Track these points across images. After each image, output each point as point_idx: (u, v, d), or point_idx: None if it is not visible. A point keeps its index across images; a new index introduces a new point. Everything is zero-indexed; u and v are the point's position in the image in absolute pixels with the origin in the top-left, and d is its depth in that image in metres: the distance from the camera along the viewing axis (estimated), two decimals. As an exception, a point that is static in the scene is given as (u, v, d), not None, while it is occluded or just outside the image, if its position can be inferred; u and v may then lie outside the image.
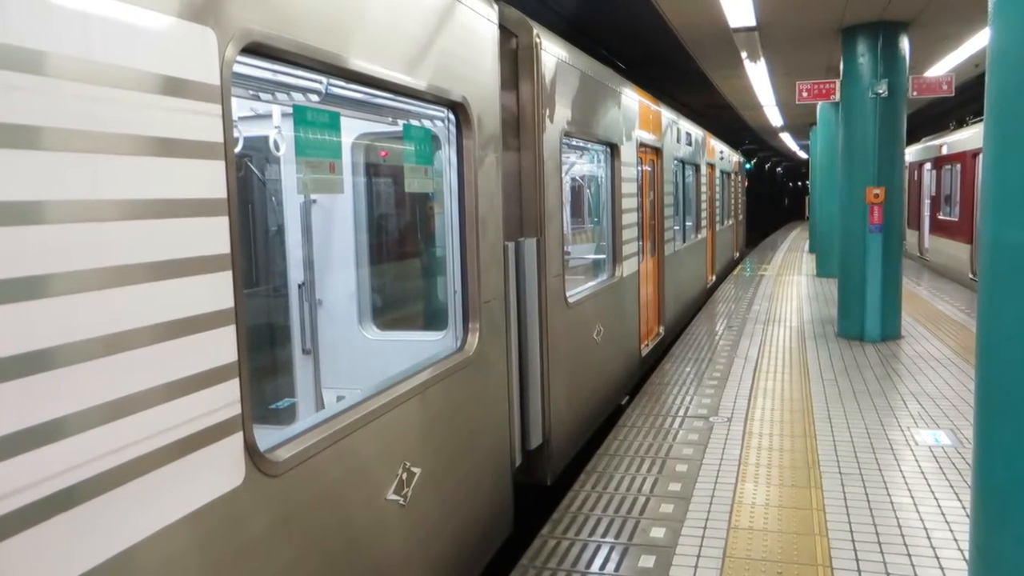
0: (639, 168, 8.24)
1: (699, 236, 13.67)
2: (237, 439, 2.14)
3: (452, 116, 3.82)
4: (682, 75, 15.46)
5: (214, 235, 2.06)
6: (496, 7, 4.33)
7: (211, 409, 2.04)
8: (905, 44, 9.64)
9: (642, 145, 8.38)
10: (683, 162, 11.79)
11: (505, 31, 4.77)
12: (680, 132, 11.22)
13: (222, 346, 2.09)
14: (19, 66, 1.55)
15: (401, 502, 3.14)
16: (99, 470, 1.72)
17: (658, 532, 4.36)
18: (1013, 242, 2.31)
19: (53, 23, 1.62)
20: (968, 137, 14.74)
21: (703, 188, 14.19)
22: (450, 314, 4.01)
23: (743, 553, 4.10)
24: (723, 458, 5.51)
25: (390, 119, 4.10)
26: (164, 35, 1.89)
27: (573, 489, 5.04)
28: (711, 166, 15.42)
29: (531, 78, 4.99)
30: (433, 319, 5.00)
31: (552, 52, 5.33)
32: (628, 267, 7.54)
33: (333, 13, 2.64)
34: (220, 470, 2.09)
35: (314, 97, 3.08)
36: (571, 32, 11.43)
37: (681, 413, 6.66)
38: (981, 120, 2.62)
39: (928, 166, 18.37)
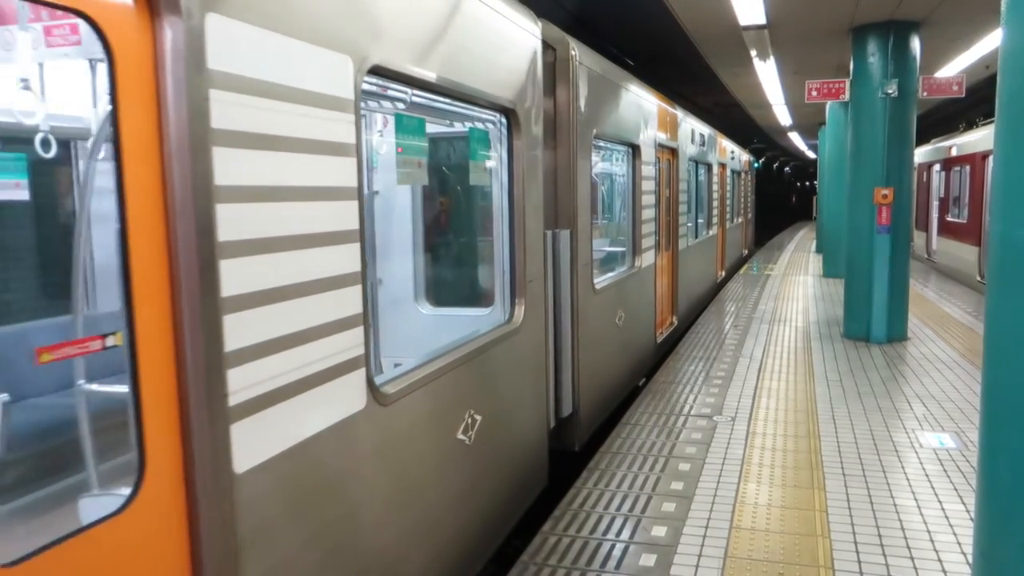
0: (657, 167, 8.60)
1: (710, 233, 13.93)
2: (362, 373, 2.76)
3: (504, 120, 4.38)
4: (691, 72, 15.42)
5: (349, 215, 2.65)
6: (540, 25, 4.85)
7: (346, 347, 2.65)
8: (916, 44, 9.57)
9: (660, 145, 8.77)
10: (696, 161, 12.02)
11: (546, 45, 5.29)
12: (694, 133, 11.57)
13: (354, 300, 2.70)
14: (251, 90, 2.17)
15: (467, 441, 3.75)
16: (282, 383, 2.30)
17: (660, 531, 4.36)
18: (1022, 241, 2.30)
19: (261, 58, 2.21)
20: (978, 139, 14.65)
21: (714, 186, 14.39)
22: (498, 291, 4.63)
23: (745, 553, 4.09)
24: (726, 458, 5.50)
25: (448, 122, 4.60)
26: (320, 62, 2.50)
27: (575, 486, 5.04)
28: (722, 165, 15.54)
29: (567, 86, 5.59)
30: (479, 298, 5.55)
31: (585, 63, 5.91)
32: (646, 259, 8.03)
33: (426, 42, 3.34)
34: (352, 395, 2.70)
35: (400, 105, 3.60)
36: (581, 29, 11.41)
37: (685, 412, 6.65)
38: (991, 122, 2.61)
39: (937, 167, 18.27)
